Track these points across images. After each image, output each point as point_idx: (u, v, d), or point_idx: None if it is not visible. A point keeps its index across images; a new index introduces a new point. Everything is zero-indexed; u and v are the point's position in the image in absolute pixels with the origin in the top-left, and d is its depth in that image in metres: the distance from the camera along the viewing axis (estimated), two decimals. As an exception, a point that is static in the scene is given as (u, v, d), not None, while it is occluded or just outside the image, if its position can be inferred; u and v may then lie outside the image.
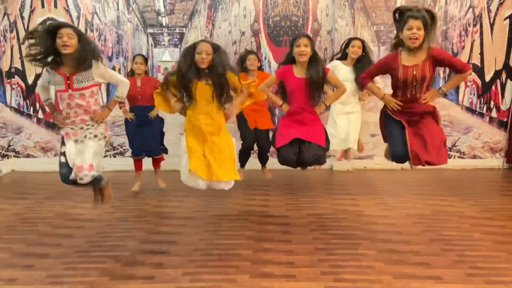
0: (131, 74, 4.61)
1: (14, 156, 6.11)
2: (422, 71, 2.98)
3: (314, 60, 3.23)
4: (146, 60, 4.60)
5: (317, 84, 3.25)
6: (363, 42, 4.26)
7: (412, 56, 3.03)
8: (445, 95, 3.03)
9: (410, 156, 3.12)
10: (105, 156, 5.96)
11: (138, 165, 4.81)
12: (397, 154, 3.23)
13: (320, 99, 3.35)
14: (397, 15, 3.10)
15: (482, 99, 5.92)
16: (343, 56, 4.33)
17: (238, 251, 3.22)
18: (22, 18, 5.80)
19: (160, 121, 4.76)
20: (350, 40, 4.27)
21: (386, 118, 3.31)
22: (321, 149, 3.31)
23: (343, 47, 4.34)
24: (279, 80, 3.25)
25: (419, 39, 2.94)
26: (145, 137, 4.60)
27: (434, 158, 3.08)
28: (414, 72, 2.98)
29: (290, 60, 3.31)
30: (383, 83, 3.96)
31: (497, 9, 5.68)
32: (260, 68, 4.63)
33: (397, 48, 3.13)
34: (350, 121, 4.32)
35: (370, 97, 4.44)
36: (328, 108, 3.39)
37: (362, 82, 3.31)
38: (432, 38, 2.97)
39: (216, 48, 3.21)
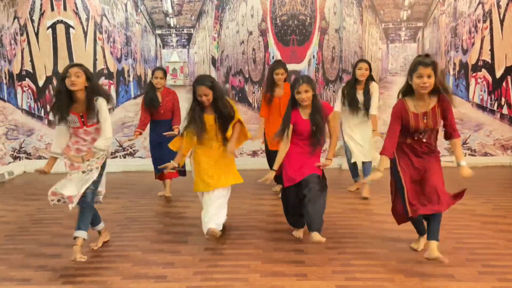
0: (149, 86, 4.50)
1: (25, 158, 6.18)
2: (434, 118, 2.86)
3: (315, 101, 3.24)
4: (165, 73, 4.55)
5: (319, 127, 3.27)
6: (368, 63, 4.39)
7: (420, 102, 2.88)
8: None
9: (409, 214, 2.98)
10: (115, 157, 6.05)
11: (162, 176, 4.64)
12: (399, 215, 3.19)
13: (322, 141, 3.34)
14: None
15: (492, 96, 5.86)
16: (354, 79, 4.42)
17: (249, 250, 3.23)
18: (32, 21, 5.86)
19: None
20: (357, 63, 4.41)
21: (395, 174, 3.09)
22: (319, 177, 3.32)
23: (353, 69, 4.45)
24: (291, 124, 3.29)
25: (429, 87, 2.77)
26: (164, 152, 4.35)
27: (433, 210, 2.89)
28: (425, 120, 2.86)
29: (294, 103, 3.30)
30: None
31: (507, 4, 5.61)
32: (285, 80, 4.48)
33: (404, 96, 2.96)
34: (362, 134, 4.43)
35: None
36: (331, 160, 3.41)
37: (385, 153, 2.98)
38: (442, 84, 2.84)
39: (212, 86, 3.25)
